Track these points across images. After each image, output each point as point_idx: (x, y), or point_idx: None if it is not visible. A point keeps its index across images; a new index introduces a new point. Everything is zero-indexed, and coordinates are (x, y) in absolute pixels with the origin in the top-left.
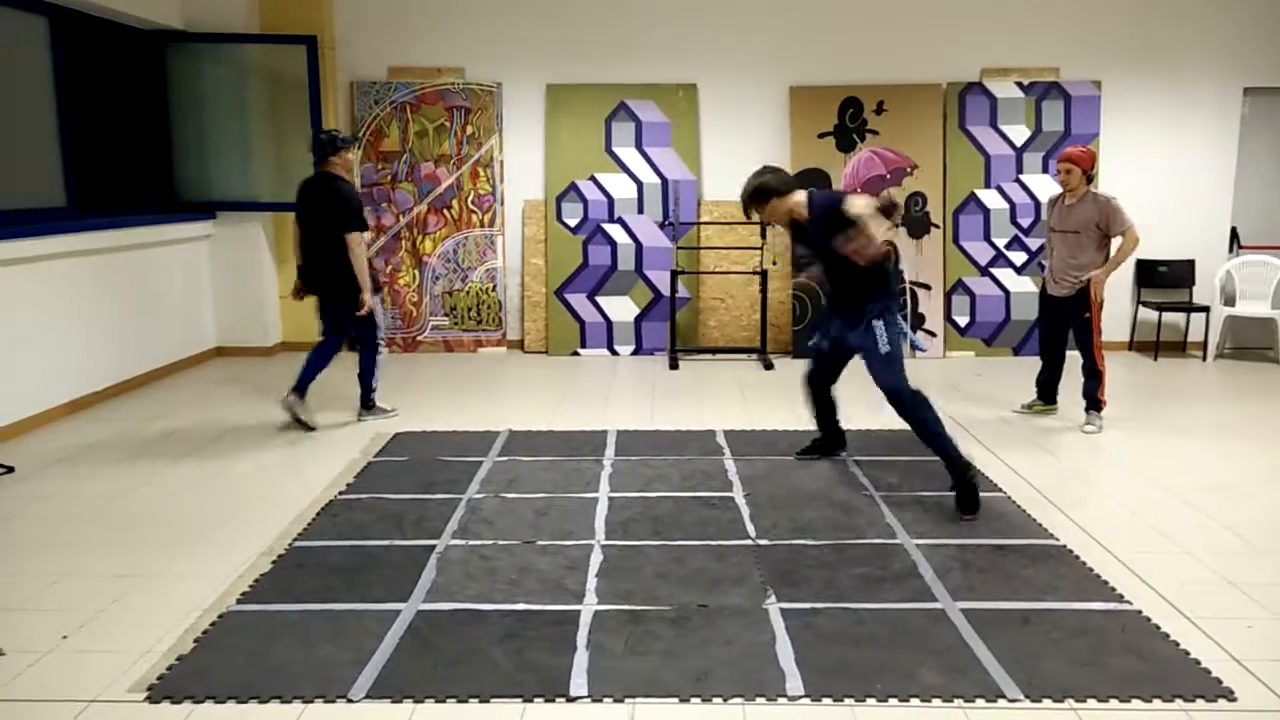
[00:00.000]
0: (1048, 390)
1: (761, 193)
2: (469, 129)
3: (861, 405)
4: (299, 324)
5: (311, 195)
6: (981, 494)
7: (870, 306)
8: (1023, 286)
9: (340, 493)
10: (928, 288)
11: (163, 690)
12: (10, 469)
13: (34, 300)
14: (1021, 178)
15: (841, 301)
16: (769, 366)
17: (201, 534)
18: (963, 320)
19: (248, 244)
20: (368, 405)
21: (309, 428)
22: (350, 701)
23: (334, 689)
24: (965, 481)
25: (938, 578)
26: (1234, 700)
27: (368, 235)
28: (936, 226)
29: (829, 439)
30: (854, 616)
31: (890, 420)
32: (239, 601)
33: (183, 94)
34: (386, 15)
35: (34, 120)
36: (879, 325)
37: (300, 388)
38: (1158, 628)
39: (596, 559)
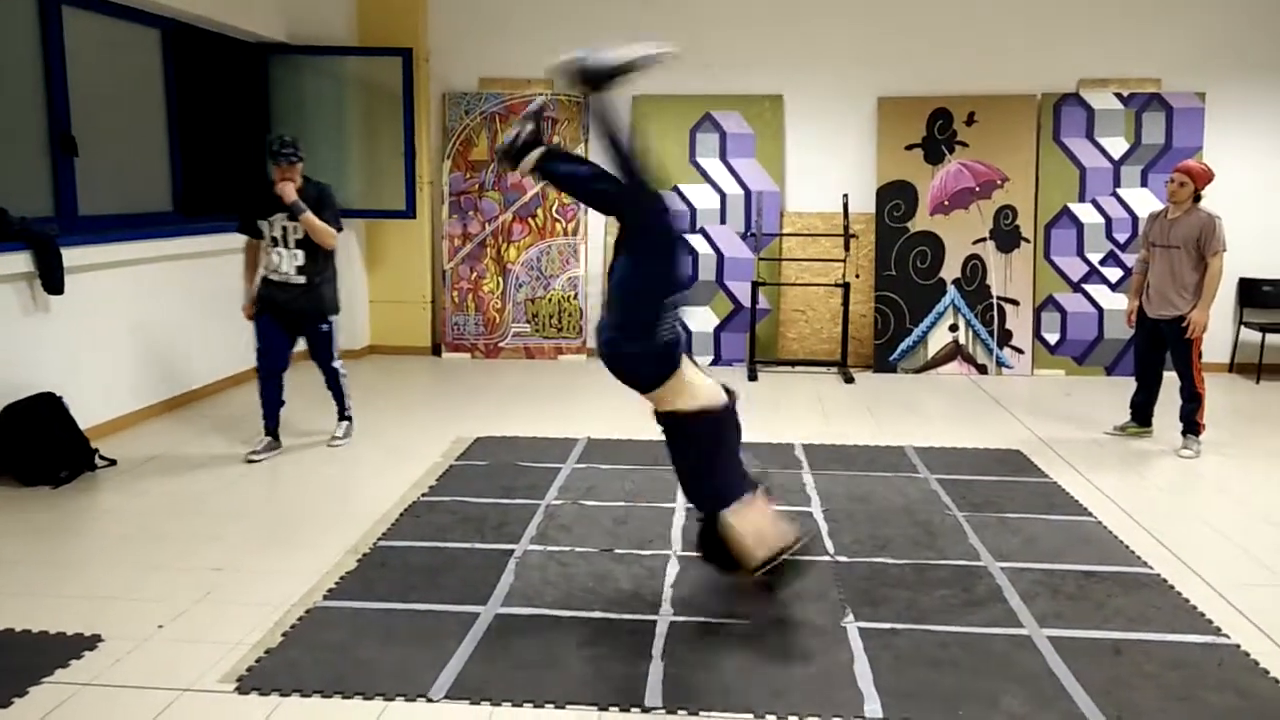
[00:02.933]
0: (1143, 412)
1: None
2: (556, 139)
3: (947, 423)
4: (388, 328)
5: None
6: (1070, 517)
7: None
8: (1117, 304)
9: (423, 494)
10: (1015, 303)
11: (251, 682)
12: (113, 462)
13: (139, 301)
14: (1119, 191)
15: None
16: (849, 380)
17: (291, 531)
18: (1053, 338)
19: (342, 250)
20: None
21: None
22: (430, 701)
23: (414, 688)
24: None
25: (1024, 603)
26: None
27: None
28: (1027, 241)
29: None
30: (935, 639)
31: (977, 439)
32: (325, 598)
33: (283, 104)
34: (479, 28)
35: (146, 128)
36: None
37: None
38: (1257, 664)
39: (673, 569)
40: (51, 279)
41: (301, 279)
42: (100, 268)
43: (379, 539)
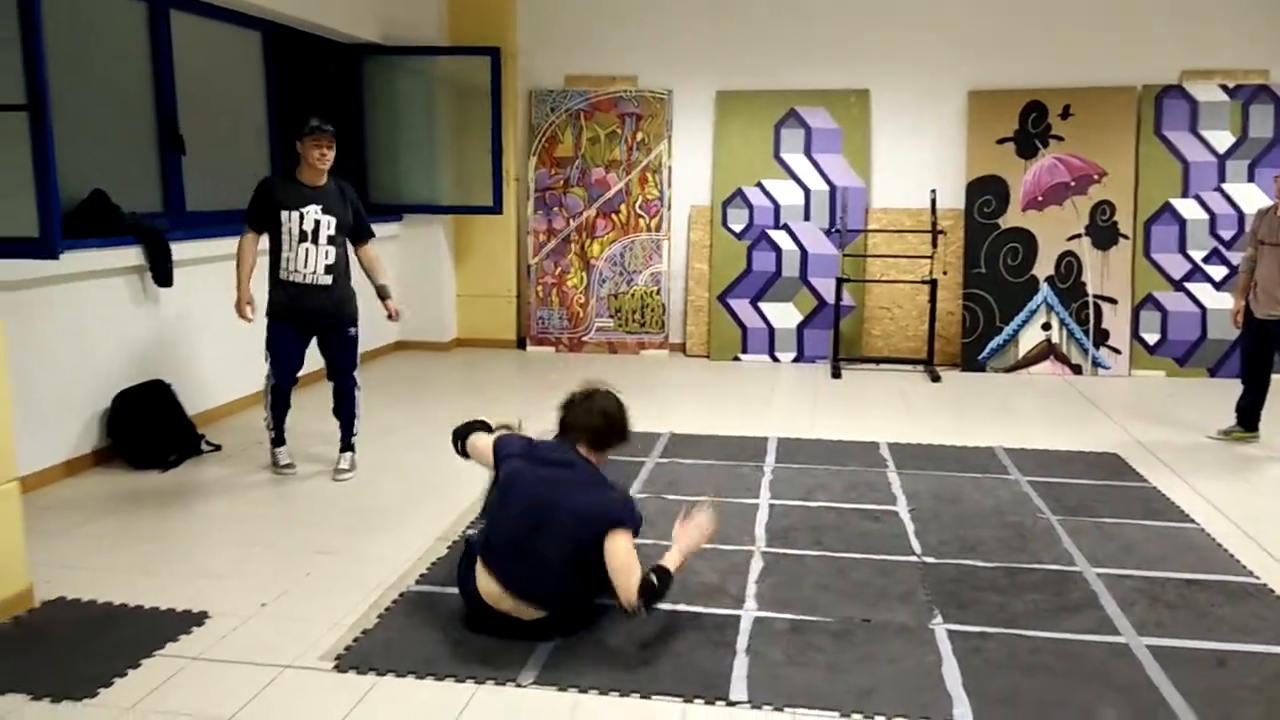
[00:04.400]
0: (1249, 416)
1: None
2: (639, 135)
3: (1039, 424)
4: (474, 321)
5: None
6: (1170, 524)
7: None
8: (1221, 303)
9: None
10: (1113, 302)
11: (349, 661)
12: (218, 447)
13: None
14: (1224, 187)
15: None
16: (936, 379)
17: (386, 517)
18: (1152, 338)
19: (430, 245)
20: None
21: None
22: (520, 686)
23: (504, 673)
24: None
25: (1121, 610)
26: None
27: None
28: (1125, 237)
29: None
30: (1027, 644)
31: (1072, 441)
32: (418, 582)
33: (376, 103)
34: (565, 26)
35: (248, 127)
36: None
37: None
38: None
39: (757, 565)
40: (161, 272)
41: (329, 279)
42: (206, 261)
43: (467, 527)
